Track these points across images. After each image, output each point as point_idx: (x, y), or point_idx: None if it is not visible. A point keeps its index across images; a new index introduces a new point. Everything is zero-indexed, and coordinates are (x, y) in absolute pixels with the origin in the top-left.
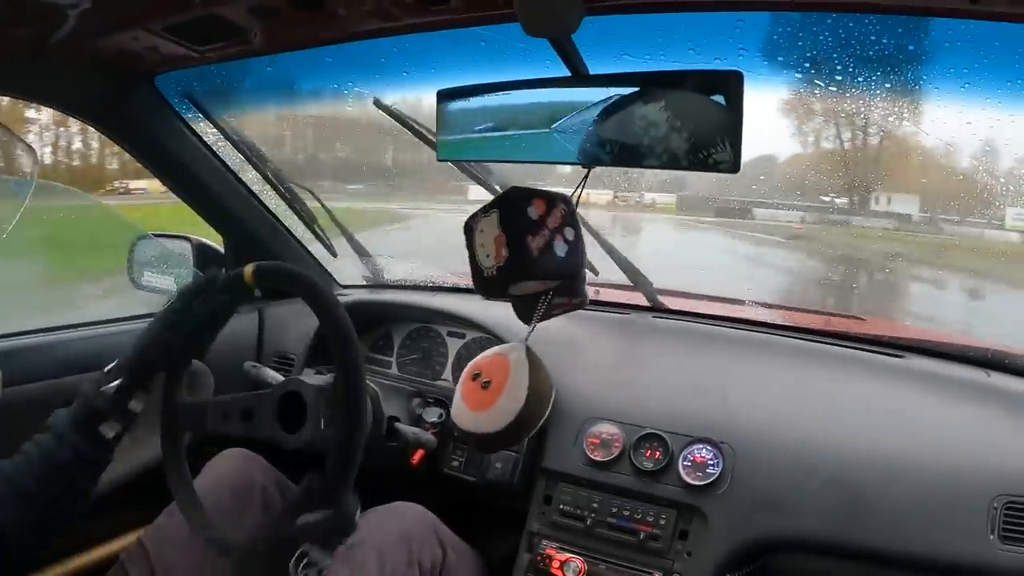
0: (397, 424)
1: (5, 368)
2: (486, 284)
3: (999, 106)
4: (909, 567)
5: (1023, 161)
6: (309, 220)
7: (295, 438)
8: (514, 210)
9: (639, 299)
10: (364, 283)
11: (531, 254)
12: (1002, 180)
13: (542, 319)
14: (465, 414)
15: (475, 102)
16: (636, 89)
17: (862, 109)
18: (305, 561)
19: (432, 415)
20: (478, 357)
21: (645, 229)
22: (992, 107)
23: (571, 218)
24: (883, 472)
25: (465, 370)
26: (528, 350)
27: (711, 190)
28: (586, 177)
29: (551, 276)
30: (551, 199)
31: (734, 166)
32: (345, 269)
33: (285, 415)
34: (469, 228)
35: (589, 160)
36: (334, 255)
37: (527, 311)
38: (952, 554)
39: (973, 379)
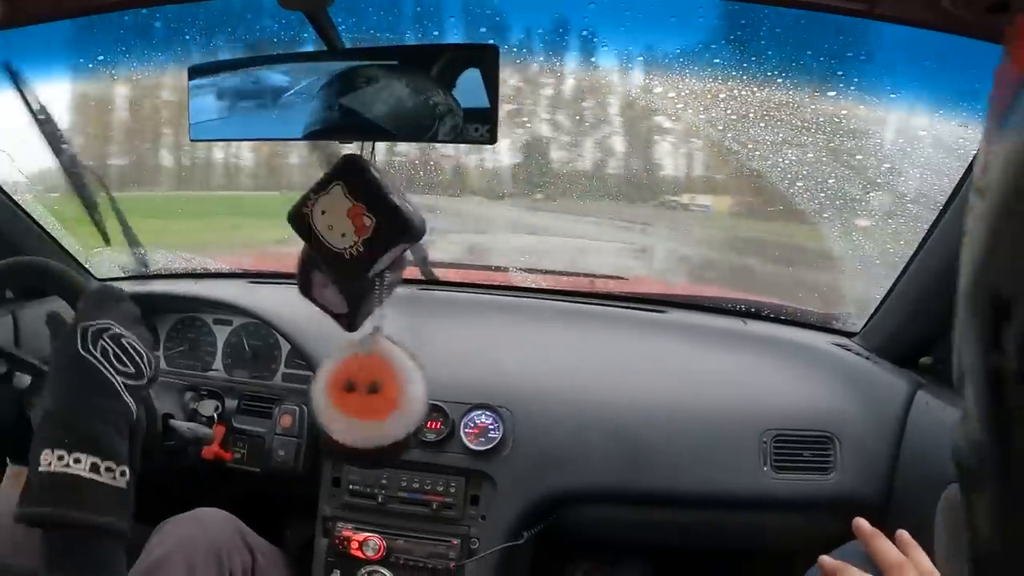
0: (172, 421)
1: None
2: (351, 265)
3: None
4: (695, 505)
5: None
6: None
7: None
8: (362, 173)
9: (412, 272)
10: (123, 275)
11: (402, 210)
12: None
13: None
14: (361, 428)
15: (229, 79)
16: (394, 63)
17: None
18: None
19: (208, 408)
20: (330, 365)
21: None
22: None
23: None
24: (658, 421)
25: (323, 384)
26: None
27: None
28: (372, 150)
29: (420, 234)
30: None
31: (492, 137)
32: (102, 263)
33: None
34: (300, 215)
35: (346, 136)
36: (108, 243)
37: (359, 299)
38: (732, 488)
39: (732, 328)
